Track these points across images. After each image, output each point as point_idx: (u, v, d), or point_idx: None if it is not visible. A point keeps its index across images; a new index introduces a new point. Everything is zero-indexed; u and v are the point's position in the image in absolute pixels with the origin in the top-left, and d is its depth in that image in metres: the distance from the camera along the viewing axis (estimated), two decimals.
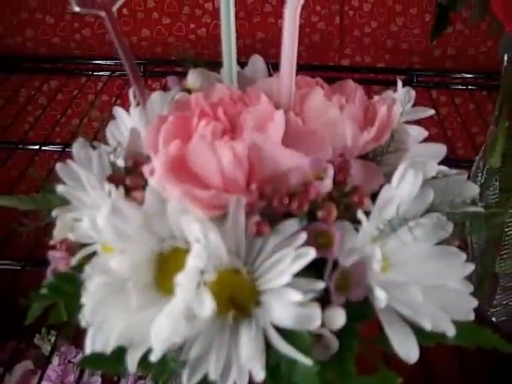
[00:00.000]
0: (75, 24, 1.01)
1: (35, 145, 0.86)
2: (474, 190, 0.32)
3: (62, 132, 1.04)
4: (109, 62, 1.02)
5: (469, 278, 0.30)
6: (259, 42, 1.03)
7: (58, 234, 0.33)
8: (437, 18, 0.43)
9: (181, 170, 0.28)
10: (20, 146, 0.86)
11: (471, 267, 0.29)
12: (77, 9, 0.29)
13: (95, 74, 1.02)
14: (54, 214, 0.33)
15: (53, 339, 0.90)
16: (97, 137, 0.36)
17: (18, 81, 1.02)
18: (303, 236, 0.26)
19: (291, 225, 0.27)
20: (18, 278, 0.70)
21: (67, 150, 0.84)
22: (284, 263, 0.26)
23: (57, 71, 1.04)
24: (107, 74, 1.02)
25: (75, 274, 0.31)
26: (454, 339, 0.27)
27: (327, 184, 0.27)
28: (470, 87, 0.98)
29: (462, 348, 0.28)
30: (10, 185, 0.78)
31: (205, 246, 0.27)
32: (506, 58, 0.49)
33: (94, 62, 1.03)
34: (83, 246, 0.32)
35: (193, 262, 0.27)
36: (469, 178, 0.51)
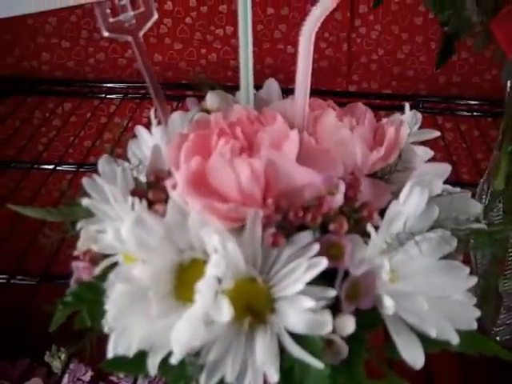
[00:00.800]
0: (90, 48, 1.04)
1: (49, 165, 0.88)
2: (477, 207, 0.33)
3: (75, 153, 1.07)
4: (121, 85, 1.05)
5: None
6: (268, 67, 1.05)
7: (81, 245, 0.35)
8: (442, 46, 0.45)
9: (201, 184, 0.30)
10: (35, 166, 0.88)
11: (474, 280, 0.31)
12: (106, 33, 0.31)
13: (108, 96, 1.05)
14: (79, 225, 0.35)
15: (63, 356, 0.91)
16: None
17: (33, 103, 1.04)
18: (316, 247, 0.28)
19: (305, 236, 0.28)
20: (31, 295, 0.72)
21: (81, 170, 0.87)
22: (298, 272, 0.28)
23: (71, 94, 1.07)
24: (120, 96, 1.04)
25: (98, 283, 0.33)
26: (457, 347, 0.29)
27: (339, 199, 0.29)
28: (475, 114, 1.00)
29: (463, 355, 0.30)
30: (24, 204, 0.80)
31: (223, 255, 0.28)
32: (509, 83, 0.51)
33: (107, 85, 1.05)
34: (105, 256, 0.34)
35: (212, 270, 0.28)
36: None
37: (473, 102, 1.01)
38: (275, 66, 1.05)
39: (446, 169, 0.34)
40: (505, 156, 0.52)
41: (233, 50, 1.03)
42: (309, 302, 0.27)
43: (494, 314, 0.58)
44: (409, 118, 0.35)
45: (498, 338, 0.59)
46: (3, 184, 0.87)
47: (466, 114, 1.01)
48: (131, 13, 0.32)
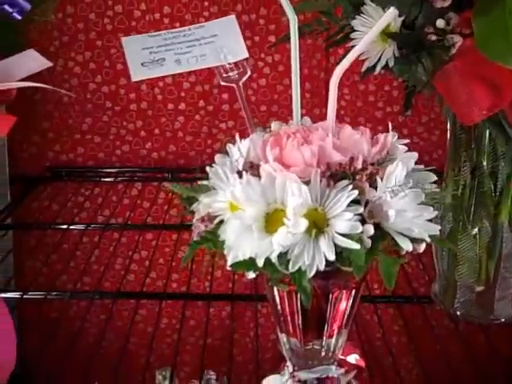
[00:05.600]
0: (117, 142, 1.29)
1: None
2: (433, 177, 0.57)
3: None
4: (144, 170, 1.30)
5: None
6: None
7: (202, 211, 0.57)
8: (406, 96, 0.71)
9: (281, 162, 0.54)
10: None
11: (436, 213, 0.54)
12: (222, 82, 0.56)
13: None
14: (201, 198, 0.57)
15: None
16: None
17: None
18: (350, 187, 0.51)
19: (345, 182, 0.52)
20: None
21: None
22: (342, 200, 0.51)
23: (100, 180, 1.30)
24: (142, 179, 1.29)
25: (214, 231, 0.56)
26: (428, 241, 0.52)
27: (359, 163, 0.53)
28: None
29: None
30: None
31: (299, 196, 0.51)
32: (448, 122, 0.78)
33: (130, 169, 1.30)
34: (216, 217, 0.57)
35: (294, 203, 0.51)
36: None
37: None
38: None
39: (415, 155, 0.58)
40: (450, 179, 0.78)
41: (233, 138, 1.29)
42: (349, 215, 0.50)
43: (453, 296, 0.81)
44: (392, 132, 0.59)
45: (458, 313, 0.82)
46: None
47: None
48: (235, 71, 0.56)
